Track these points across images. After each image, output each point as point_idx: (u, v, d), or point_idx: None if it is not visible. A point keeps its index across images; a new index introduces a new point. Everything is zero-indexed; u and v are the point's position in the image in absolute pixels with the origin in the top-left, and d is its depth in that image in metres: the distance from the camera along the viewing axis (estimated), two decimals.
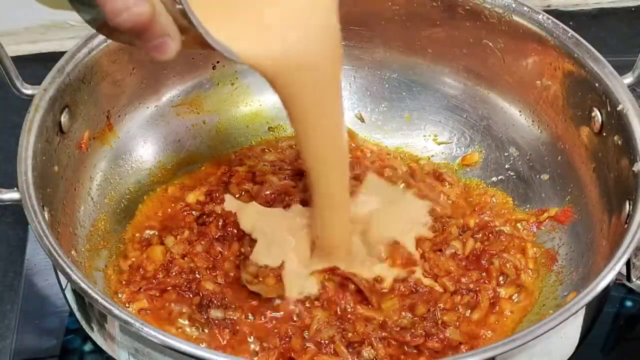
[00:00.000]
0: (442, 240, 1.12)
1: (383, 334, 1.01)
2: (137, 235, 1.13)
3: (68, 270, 0.91)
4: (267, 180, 1.17)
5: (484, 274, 1.09)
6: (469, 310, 1.06)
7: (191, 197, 1.18)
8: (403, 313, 1.04)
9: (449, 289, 1.07)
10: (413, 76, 1.29)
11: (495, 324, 1.06)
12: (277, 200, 1.14)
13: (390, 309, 1.04)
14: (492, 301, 1.07)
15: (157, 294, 1.06)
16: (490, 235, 1.13)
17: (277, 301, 1.03)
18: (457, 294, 1.07)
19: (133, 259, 1.10)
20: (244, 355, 1.00)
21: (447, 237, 1.12)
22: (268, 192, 1.15)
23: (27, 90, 1.08)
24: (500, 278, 1.10)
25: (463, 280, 1.08)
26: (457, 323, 1.04)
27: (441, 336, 1.02)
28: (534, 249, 1.13)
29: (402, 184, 1.17)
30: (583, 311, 0.93)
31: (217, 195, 1.16)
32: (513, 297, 1.09)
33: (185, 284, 1.06)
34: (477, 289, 1.07)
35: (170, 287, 1.06)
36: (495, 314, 1.07)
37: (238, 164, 1.21)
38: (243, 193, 1.17)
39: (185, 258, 1.08)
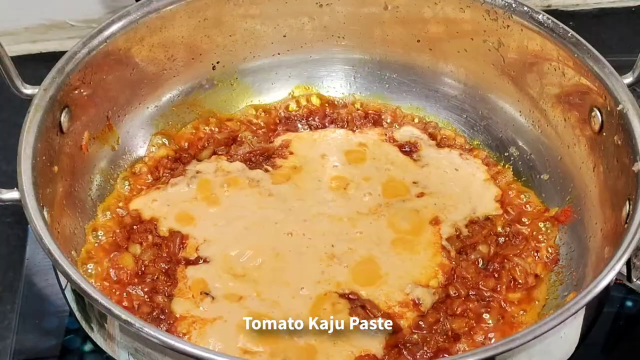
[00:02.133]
0: (472, 243, 1.12)
1: (394, 350, 1.01)
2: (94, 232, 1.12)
3: (68, 270, 0.91)
4: (246, 140, 1.20)
5: (496, 276, 1.09)
6: (478, 319, 1.05)
7: (162, 152, 1.21)
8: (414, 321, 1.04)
9: (461, 294, 1.07)
10: (413, 76, 1.29)
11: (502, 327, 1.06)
12: (252, 160, 1.19)
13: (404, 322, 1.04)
14: (501, 314, 1.07)
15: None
16: (507, 239, 1.13)
17: None
18: (470, 301, 1.07)
19: (99, 267, 1.08)
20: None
21: (478, 240, 1.12)
22: (246, 151, 1.19)
23: (27, 90, 1.08)
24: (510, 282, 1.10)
25: (479, 286, 1.08)
26: (466, 328, 1.04)
27: (451, 350, 1.02)
28: (549, 248, 1.13)
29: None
30: (583, 311, 0.93)
31: (186, 156, 1.20)
32: (519, 302, 1.08)
33: (153, 289, 1.07)
34: (490, 299, 1.07)
35: (142, 293, 1.06)
36: (503, 320, 1.07)
37: (218, 131, 1.25)
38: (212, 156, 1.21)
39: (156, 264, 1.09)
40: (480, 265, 1.10)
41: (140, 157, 1.22)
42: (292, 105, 1.29)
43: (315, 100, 1.30)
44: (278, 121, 1.27)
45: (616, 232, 1.01)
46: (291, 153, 1.21)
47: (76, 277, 0.90)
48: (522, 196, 1.18)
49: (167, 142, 1.23)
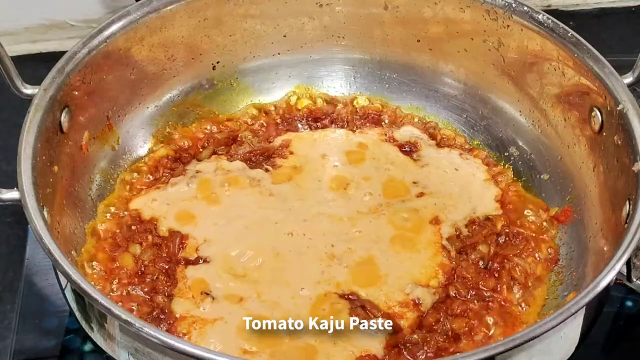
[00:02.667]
0: (472, 242, 1.12)
1: (394, 350, 1.01)
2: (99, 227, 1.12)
3: (68, 270, 0.91)
4: (246, 140, 1.21)
5: (496, 276, 1.09)
6: (478, 319, 1.06)
7: (162, 151, 1.21)
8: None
9: (461, 294, 1.07)
10: (413, 76, 1.29)
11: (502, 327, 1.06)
12: (252, 160, 1.19)
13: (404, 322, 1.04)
14: (501, 312, 1.07)
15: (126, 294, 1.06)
16: (507, 238, 1.13)
17: None
18: (470, 301, 1.07)
19: (101, 266, 1.08)
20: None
21: (478, 240, 1.12)
22: (246, 151, 1.20)
23: (27, 90, 1.08)
24: (510, 282, 1.09)
25: (479, 286, 1.08)
26: (466, 328, 1.04)
27: (451, 349, 1.02)
28: (549, 249, 1.13)
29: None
30: (583, 311, 0.93)
31: (186, 156, 1.20)
32: (520, 302, 1.08)
33: (153, 289, 1.07)
34: (490, 299, 1.07)
35: (142, 293, 1.06)
36: (503, 319, 1.07)
37: (218, 131, 1.25)
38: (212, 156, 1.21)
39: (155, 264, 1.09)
40: (480, 265, 1.10)
41: (140, 157, 1.22)
42: (293, 99, 1.29)
43: (316, 100, 1.30)
44: (278, 121, 1.27)
45: (616, 232, 1.01)
46: (291, 153, 1.22)
47: (76, 277, 0.90)
48: (526, 211, 1.18)
49: (171, 139, 1.23)
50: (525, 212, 1.16)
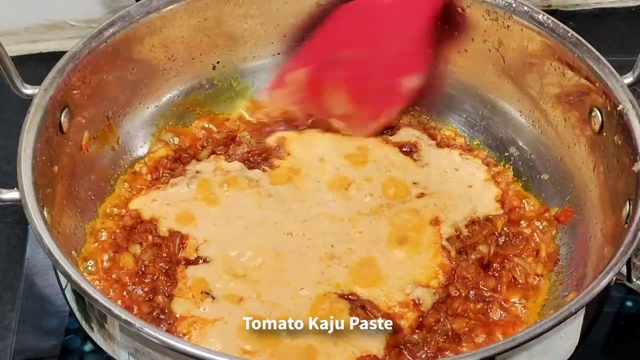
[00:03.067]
0: (472, 243, 1.12)
1: (395, 350, 1.01)
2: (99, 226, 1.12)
3: (68, 270, 0.91)
4: (244, 140, 1.21)
5: (496, 276, 1.09)
6: (479, 319, 1.06)
7: (162, 152, 1.21)
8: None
9: (461, 294, 1.07)
10: None
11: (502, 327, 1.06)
12: (250, 160, 1.20)
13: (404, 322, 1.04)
14: (502, 314, 1.07)
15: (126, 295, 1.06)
16: (507, 238, 1.13)
17: None
18: (470, 301, 1.07)
19: (101, 266, 1.09)
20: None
21: (478, 240, 1.12)
22: (245, 151, 1.20)
23: (27, 90, 1.08)
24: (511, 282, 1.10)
25: (479, 286, 1.08)
26: (467, 328, 1.04)
27: (451, 350, 1.02)
28: (550, 247, 1.13)
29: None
30: (583, 311, 0.94)
31: (186, 156, 1.20)
32: (520, 302, 1.08)
33: (153, 289, 1.07)
34: (490, 299, 1.07)
35: (143, 293, 1.06)
36: (504, 319, 1.07)
37: (217, 131, 1.25)
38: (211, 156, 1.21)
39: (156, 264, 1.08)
40: (480, 265, 1.10)
41: (140, 157, 1.22)
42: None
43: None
44: (276, 119, 1.27)
45: (616, 232, 1.01)
46: (288, 154, 1.21)
47: (76, 277, 0.90)
48: (524, 201, 1.18)
49: (173, 140, 1.23)
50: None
